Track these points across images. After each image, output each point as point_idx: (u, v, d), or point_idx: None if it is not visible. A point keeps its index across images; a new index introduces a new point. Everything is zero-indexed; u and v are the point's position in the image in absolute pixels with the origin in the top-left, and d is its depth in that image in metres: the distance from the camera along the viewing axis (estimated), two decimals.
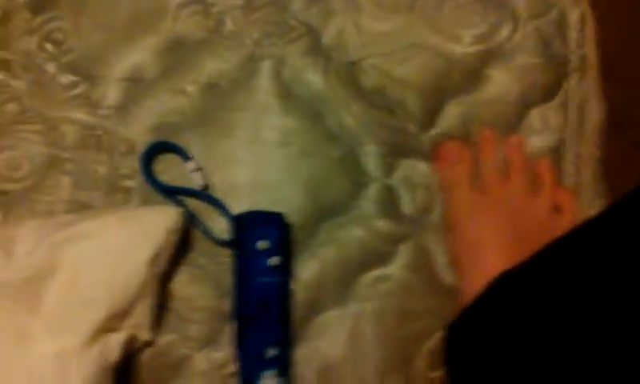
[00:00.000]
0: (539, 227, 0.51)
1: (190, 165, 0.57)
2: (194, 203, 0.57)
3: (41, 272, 0.50)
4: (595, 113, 0.59)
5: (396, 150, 0.59)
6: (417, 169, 0.58)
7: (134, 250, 0.51)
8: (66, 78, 0.62)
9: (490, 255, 0.50)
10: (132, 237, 0.52)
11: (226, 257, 0.56)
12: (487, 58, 0.59)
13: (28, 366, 0.46)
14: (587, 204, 0.57)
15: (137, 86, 0.61)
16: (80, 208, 0.57)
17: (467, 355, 0.43)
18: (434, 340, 0.54)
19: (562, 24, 0.59)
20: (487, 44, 0.59)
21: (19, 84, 0.62)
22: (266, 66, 0.61)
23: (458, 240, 0.54)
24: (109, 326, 0.49)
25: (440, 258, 0.56)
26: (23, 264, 0.51)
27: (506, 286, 0.43)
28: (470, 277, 0.51)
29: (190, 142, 0.59)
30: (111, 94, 0.61)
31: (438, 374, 0.54)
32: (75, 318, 0.49)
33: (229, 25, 0.63)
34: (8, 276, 0.50)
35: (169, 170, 0.59)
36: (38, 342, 0.47)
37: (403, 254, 0.56)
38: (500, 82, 0.59)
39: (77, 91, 0.61)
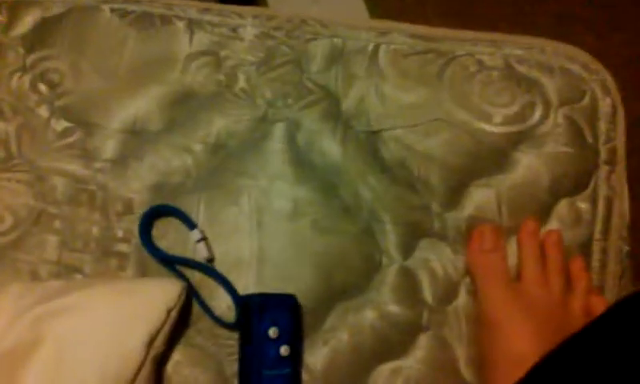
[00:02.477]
0: (572, 330, 0.48)
1: (195, 234, 0.53)
2: (195, 275, 0.52)
3: (22, 348, 0.45)
4: (623, 208, 0.56)
5: (416, 230, 0.55)
6: (438, 251, 0.55)
7: (129, 329, 0.46)
8: (60, 125, 0.58)
9: (528, 357, 0.46)
10: (128, 314, 0.47)
11: (228, 338, 0.51)
12: (517, 140, 0.56)
13: None
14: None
15: (138, 139, 0.57)
16: (67, 272, 0.53)
17: None
18: None
19: (592, 113, 0.57)
20: (518, 126, 0.56)
21: (7, 127, 0.57)
22: (278, 129, 0.58)
23: (490, 335, 0.50)
24: None
25: (461, 353, 0.52)
26: (3, 336, 0.45)
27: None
28: (501, 380, 0.47)
29: (193, 206, 0.55)
30: (109, 145, 0.57)
31: None
32: None
33: (241, 82, 0.59)
34: None
35: (168, 234, 0.54)
36: None
37: (421, 346, 0.52)
38: (529, 167, 0.55)
39: (70, 140, 0.57)
